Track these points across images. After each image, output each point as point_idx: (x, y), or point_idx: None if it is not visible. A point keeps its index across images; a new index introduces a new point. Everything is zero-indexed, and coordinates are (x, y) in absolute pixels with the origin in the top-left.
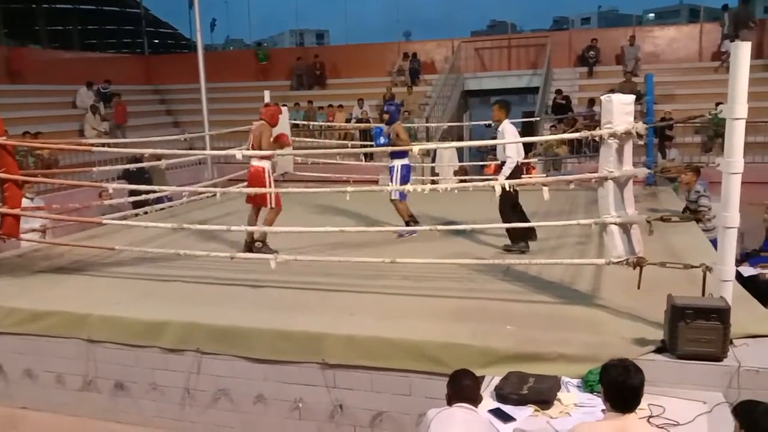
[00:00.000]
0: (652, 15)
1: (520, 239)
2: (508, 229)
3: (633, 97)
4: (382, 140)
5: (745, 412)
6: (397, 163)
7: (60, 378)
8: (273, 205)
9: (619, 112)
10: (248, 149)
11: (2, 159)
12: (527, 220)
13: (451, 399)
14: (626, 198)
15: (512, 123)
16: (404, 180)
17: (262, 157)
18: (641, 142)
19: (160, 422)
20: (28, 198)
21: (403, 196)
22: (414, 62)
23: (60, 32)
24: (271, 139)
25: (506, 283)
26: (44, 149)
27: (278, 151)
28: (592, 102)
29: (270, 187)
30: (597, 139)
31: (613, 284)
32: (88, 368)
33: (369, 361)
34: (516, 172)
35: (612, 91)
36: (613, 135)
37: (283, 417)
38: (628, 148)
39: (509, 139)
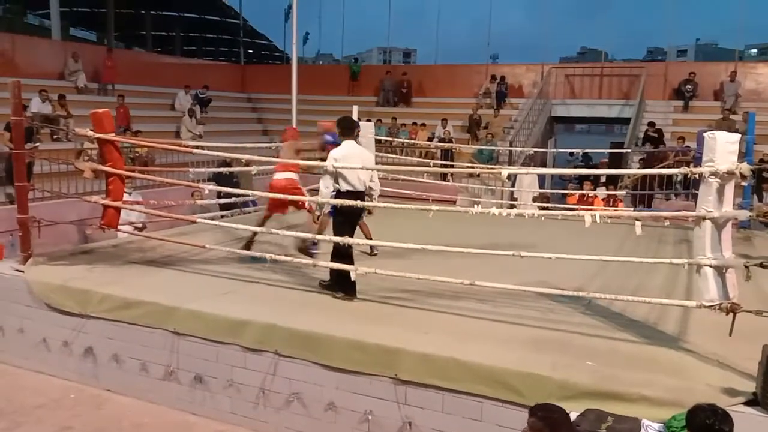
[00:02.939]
0: (754, 50)
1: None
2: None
3: (738, 136)
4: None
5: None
6: None
7: (144, 366)
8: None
9: (723, 150)
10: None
11: (110, 154)
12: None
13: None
14: (723, 240)
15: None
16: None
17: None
18: (744, 183)
19: (233, 419)
20: (126, 192)
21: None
22: (501, 85)
23: (164, 38)
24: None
25: (587, 317)
26: (143, 147)
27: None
28: (682, 139)
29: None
30: (694, 176)
31: (701, 329)
32: (172, 359)
33: (442, 382)
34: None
35: (709, 127)
36: (714, 174)
37: (353, 427)
38: (729, 189)
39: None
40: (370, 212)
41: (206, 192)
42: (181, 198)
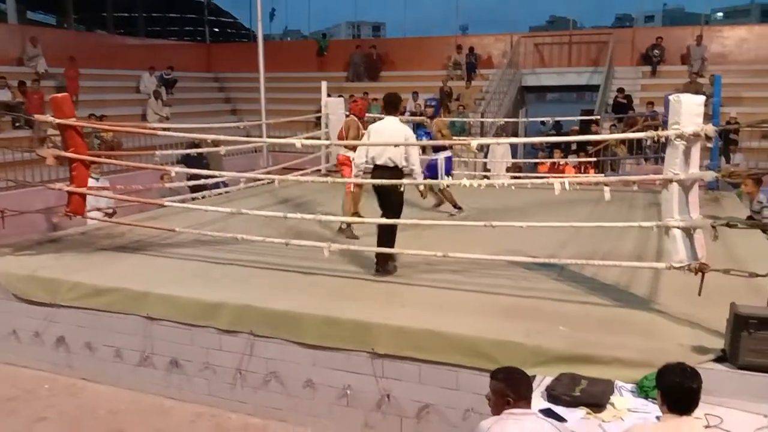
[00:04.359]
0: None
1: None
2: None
3: (703, 98)
4: (424, 138)
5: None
6: (441, 155)
7: (118, 352)
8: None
9: (688, 112)
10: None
11: (72, 139)
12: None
13: (508, 399)
14: (691, 202)
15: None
16: (447, 171)
17: (347, 148)
18: (709, 145)
19: (211, 400)
20: (93, 178)
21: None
22: (471, 56)
23: (126, 19)
24: (362, 132)
25: (560, 283)
26: (108, 131)
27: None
28: (651, 104)
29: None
30: (662, 140)
31: (671, 290)
32: (146, 344)
33: (418, 354)
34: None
35: (677, 91)
36: (680, 136)
37: (331, 403)
38: (696, 151)
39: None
40: (422, 195)
41: (173, 174)
42: (150, 182)
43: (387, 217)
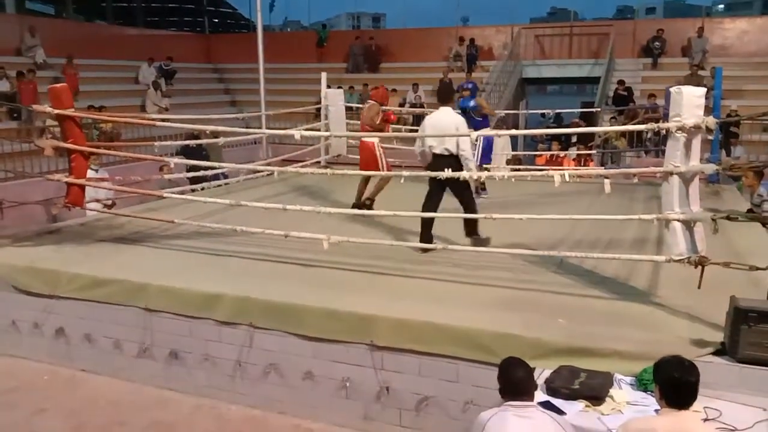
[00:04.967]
0: (721, 6)
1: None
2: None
3: (704, 90)
4: (471, 103)
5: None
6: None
7: (118, 344)
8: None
9: (689, 104)
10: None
11: (70, 130)
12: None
13: (503, 393)
14: (691, 194)
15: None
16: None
17: (372, 132)
18: (710, 137)
19: (211, 392)
20: (92, 169)
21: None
22: (471, 48)
23: (125, 9)
24: (378, 119)
25: (560, 276)
26: (108, 122)
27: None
28: (652, 96)
29: (381, 158)
30: (663, 132)
31: (671, 283)
32: (145, 336)
33: (418, 346)
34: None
35: (678, 83)
36: (681, 128)
37: (331, 395)
38: (696, 143)
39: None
40: (483, 187)
41: (172, 166)
42: (149, 173)
43: (463, 199)
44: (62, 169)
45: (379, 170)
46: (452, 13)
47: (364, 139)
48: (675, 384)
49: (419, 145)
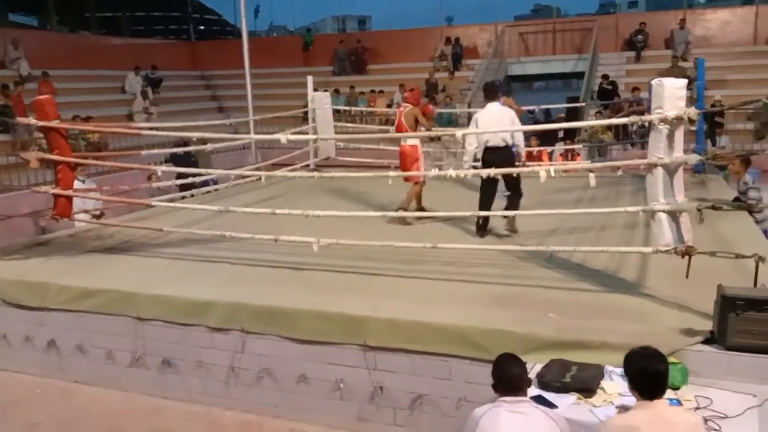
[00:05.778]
0: None
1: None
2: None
3: (685, 81)
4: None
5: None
6: None
7: (110, 354)
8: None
9: (671, 96)
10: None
11: (56, 142)
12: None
13: (497, 389)
14: (676, 185)
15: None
16: None
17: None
18: (693, 128)
19: (205, 399)
20: (79, 180)
21: None
22: (456, 47)
23: (109, 18)
24: (418, 124)
25: (549, 270)
26: (94, 133)
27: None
28: (636, 89)
29: (421, 162)
30: (645, 125)
31: (659, 273)
32: (137, 345)
33: (410, 345)
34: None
35: (659, 75)
36: (663, 120)
37: (325, 397)
38: (679, 135)
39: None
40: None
41: (159, 174)
42: (137, 182)
43: (513, 193)
44: (49, 181)
45: (416, 177)
46: (437, 14)
47: (403, 144)
48: (644, 374)
49: (471, 142)
